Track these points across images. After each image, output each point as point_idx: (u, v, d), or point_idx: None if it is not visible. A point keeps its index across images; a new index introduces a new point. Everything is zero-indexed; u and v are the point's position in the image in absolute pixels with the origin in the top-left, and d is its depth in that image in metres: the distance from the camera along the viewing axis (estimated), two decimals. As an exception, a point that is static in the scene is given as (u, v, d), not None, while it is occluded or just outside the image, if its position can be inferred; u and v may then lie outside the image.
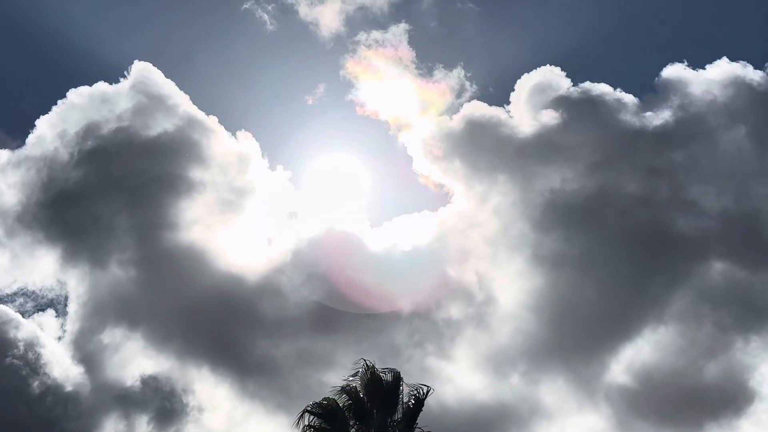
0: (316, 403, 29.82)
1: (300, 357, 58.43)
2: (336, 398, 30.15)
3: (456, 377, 58.20)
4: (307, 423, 29.54)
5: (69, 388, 56.93)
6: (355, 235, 66.59)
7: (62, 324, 61.01)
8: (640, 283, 59.23)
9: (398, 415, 30.15)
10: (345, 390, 30.15)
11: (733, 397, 54.53)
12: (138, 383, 57.26)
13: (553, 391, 57.35)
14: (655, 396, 55.59)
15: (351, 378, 30.52)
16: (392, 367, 30.78)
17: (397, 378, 30.52)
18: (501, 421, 55.32)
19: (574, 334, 58.65)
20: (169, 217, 62.53)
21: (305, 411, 29.66)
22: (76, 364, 58.23)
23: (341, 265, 62.84)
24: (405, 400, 30.53)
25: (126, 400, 56.74)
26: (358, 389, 30.21)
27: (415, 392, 30.53)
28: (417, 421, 30.23)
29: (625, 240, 60.04)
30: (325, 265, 62.39)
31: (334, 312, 59.90)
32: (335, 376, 56.23)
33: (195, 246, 62.02)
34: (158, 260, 61.19)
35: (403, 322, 59.97)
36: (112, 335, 58.91)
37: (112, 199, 62.31)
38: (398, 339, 59.24)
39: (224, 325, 59.45)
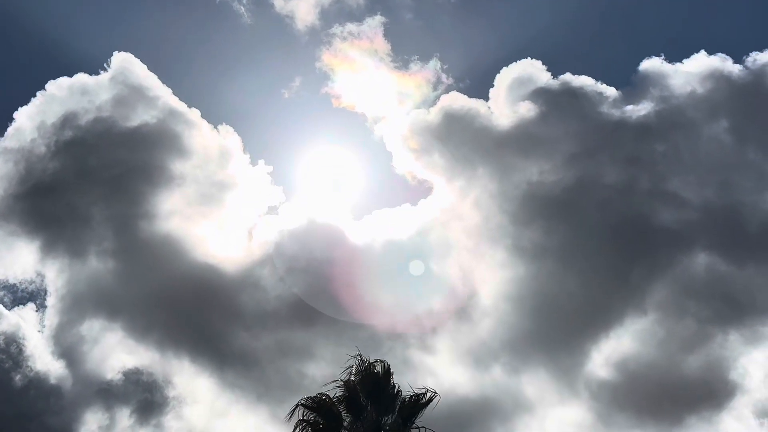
0: (310, 397, 29.62)
1: (280, 348, 58.47)
2: (330, 392, 29.96)
3: (437, 369, 58.38)
4: (300, 417, 29.36)
5: (51, 381, 56.59)
6: (337, 228, 66.62)
7: (42, 317, 60.62)
8: (621, 274, 59.61)
9: (395, 412, 29.94)
10: (342, 383, 29.98)
11: (714, 391, 55.00)
12: (119, 376, 57.04)
13: (534, 383, 57.66)
14: (636, 388, 56.00)
15: (345, 371, 30.30)
16: (381, 359, 30.65)
17: (387, 370, 30.35)
18: (483, 413, 55.54)
19: (555, 326, 58.92)
20: (150, 209, 62.44)
21: (299, 404, 29.47)
22: (57, 357, 57.90)
23: (322, 258, 62.83)
24: (403, 396, 30.29)
25: (107, 394, 56.50)
26: (354, 383, 30.06)
27: (422, 393, 30.25)
28: (415, 421, 29.95)
29: (608, 233, 60.35)
30: (307, 259, 62.38)
31: (313, 304, 59.91)
32: (315, 367, 56.87)
33: (176, 239, 61.80)
34: (139, 252, 60.90)
35: (384, 314, 60.08)
36: (93, 328, 58.58)
37: (93, 190, 61.99)
38: (379, 330, 59.35)
39: (205, 318, 59.45)
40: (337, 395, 29.77)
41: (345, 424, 29.64)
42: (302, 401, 29.46)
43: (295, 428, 29.20)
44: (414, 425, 29.92)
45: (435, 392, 30.21)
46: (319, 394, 29.60)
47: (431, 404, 30.15)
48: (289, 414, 29.33)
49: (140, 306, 59.06)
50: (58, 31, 74.83)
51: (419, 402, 30.06)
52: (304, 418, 29.36)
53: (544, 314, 59.25)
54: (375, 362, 30.34)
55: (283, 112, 79.96)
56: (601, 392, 56.70)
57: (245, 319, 59.72)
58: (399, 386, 30.33)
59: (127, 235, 61.08)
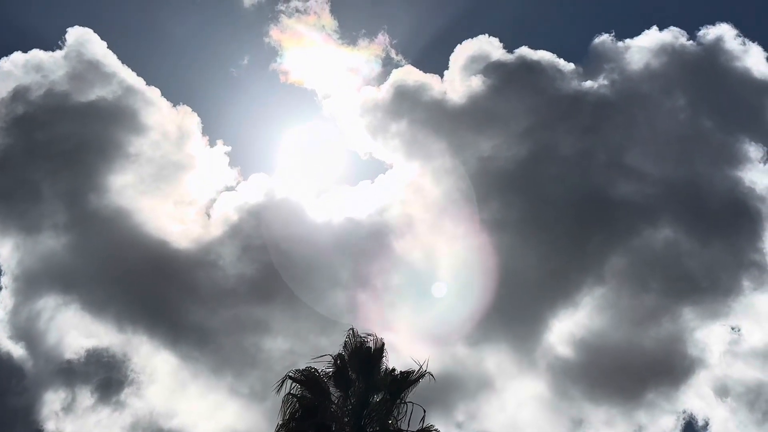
0: (299, 370, 29.48)
1: (238, 324, 58.36)
2: (317, 366, 29.84)
3: (397, 345, 58.39)
4: (288, 390, 29.20)
5: (12, 362, 55.90)
6: (296, 205, 66.42)
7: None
8: (579, 249, 60.25)
9: (383, 388, 29.89)
10: (332, 358, 29.92)
11: (673, 367, 55.97)
12: (79, 355, 56.46)
13: (495, 356, 58.22)
14: (595, 363, 56.83)
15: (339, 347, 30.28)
16: (376, 335, 30.54)
17: (381, 347, 30.30)
18: (444, 386, 55.80)
19: (515, 300, 59.40)
20: (106, 186, 61.43)
21: (287, 377, 29.34)
22: (16, 338, 57.11)
23: (280, 236, 62.71)
24: (393, 372, 30.25)
25: (68, 372, 55.89)
26: (345, 357, 29.98)
27: (413, 370, 30.29)
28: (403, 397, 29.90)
29: (568, 206, 60.89)
30: (264, 236, 62.31)
31: (272, 281, 59.88)
32: (271, 342, 56.88)
33: (134, 216, 61.17)
34: (95, 230, 60.14)
35: (343, 291, 60.22)
36: (50, 307, 57.66)
37: (47, 167, 61.07)
38: (339, 306, 59.40)
39: (163, 295, 59.06)
40: (326, 369, 29.73)
41: (333, 399, 29.57)
42: (290, 374, 29.34)
43: (282, 402, 29.08)
44: (401, 401, 29.87)
45: (427, 371, 30.35)
46: (307, 367, 29.51)
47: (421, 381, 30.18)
48: (277, 386, 29.21)
49: (101, 284, 58.45)
50: (13, 6, 73.37)
51: (409, 378, 30.05)
52: (292, 392, 29.23)
53: (504, 288, 59.67)
54: (367, 337, 30.31)
55: (236, 90, 79.42)
56: (560, 366, 57.51)
57: (203, 296, 59.50)
58: (393, 367, 30.29)
59: (84, 213, 60.23)
